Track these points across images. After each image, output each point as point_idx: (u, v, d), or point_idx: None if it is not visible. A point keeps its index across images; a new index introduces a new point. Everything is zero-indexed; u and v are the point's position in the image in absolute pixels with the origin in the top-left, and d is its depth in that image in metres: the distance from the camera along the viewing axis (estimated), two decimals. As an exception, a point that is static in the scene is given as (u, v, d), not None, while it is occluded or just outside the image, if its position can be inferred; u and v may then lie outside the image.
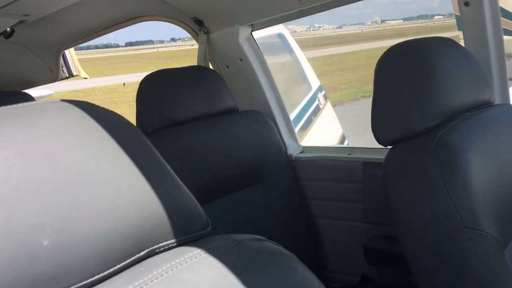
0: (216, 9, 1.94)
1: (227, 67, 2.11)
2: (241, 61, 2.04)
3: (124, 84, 21.15)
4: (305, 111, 3.17)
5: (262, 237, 0.67)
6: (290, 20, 1.91)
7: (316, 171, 2.02)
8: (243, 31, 1.99)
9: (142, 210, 0.57)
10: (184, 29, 2.10)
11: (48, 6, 1.84)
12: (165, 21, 2.11)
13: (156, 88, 1.74)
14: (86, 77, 2.86)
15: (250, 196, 1.85)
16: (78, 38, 2.43)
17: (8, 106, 0.56)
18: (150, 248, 0.58)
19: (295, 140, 2.12)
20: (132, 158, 0.59)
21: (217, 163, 1.75)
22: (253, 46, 2.04)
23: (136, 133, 0.65)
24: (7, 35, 2.01)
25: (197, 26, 2.05)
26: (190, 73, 1.84)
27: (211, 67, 2.11)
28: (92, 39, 2.40)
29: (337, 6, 1.75)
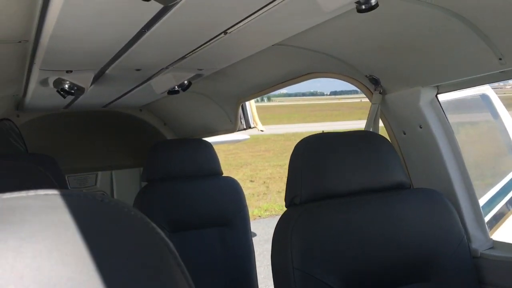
0: (396, 68, 1.68)
1: (404, 133, 1.80)
2: (421, 128, 1.72)
3: (323, 131, 21.63)
4: (504, 193, 2.59)
5: None
6: (486, 84, 1.54)
7: (509, 277, 1.54)
8: (426, 94, 1.67)
9: None
10: (357, 87, 1.89)
11: (219, 62, 1.83)
12: (337, 78, 1.93)
13: (312, 153, 1.55)
14: (262, 130, 2.84)
15: None
16: (255, 91, 2.41)
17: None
18: None
19: (483, 232, 1.68)
20: None
21: (374, 250, 1.45)
22: (438, 111, 1.70)
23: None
24: (184, 87, 2.08)
25: (372, 85, 1.81)
26: (355, 138, 1.60)
27: (381, 132, 1.84)
28: (269, 92, 2.35)
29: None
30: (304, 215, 1.44)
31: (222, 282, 2.60)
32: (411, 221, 1.51)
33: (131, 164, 3.52)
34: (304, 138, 1.60)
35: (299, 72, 2.03)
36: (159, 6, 1.11)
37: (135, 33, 1.34)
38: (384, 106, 1.81)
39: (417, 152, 1.77)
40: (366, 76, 1.79)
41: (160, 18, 1.22)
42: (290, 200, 1.54)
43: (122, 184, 3.52)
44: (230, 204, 2.66)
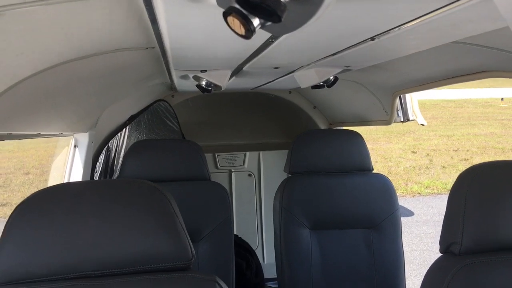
0: None
1: None
2: None
3: (502, 99, 19.21)
4: None
5: None
6: None
7: None
8: None
9: None
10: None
11: (368, 60, 1.55)
12: (524, 82, 1.50)
13: (481, 188, 1.20)
14: (423, 123, 2.46)
15: None
16: (414, 85, 2.06)
17: None
18: None
19: None
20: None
21: None
22: None
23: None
24: (330, 83, 1.84)
25: None
26: None
27: None
28: (430, 88, 1.98)
29: None
30: (464, 270, 1.14)
31: (365, 290, 2.38)
32: None
33: (279, 145, 3.43)
34: (471, 167, 1.26)
35: (470, 69, 1.64)
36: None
37: (263, 41, 1.14)
38: None
39: None
40: None
41: None
42: (446, 246, 1.23)
43: (269, 166, 3.47)
44: (380, 205, 2.38)
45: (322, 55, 1.40)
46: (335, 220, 2.36)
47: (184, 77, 1.88)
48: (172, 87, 2.79)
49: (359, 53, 1.39)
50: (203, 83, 1.77)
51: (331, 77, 1.82)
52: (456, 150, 11.82)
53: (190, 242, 1.18)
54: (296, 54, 1.39)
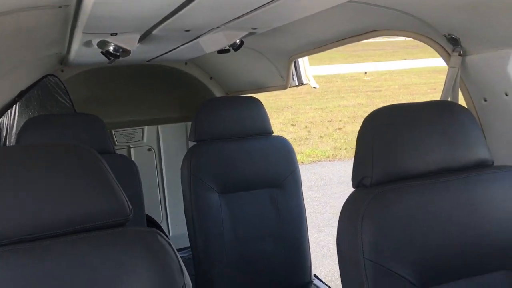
0: (481, 26, 1.45)
1: (485, 100, 1.60)
2: (507, 95, 1.51)
3: (365, 72, 20.92)
4: None
5: None
6: None
7: None
8: (516, 57, 1.45)
9: None
10: (432, 47, 1.67)
11: (275, 20, 1.65)
12: (407, 36, 1.72)
13: (385, 128, 1.38)
14: (315, 86, 2.66)
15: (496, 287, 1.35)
16: (310, 48, 2.22)
17: None
18: None
19: None
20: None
21: (453, 238, 1.31)
22: (529, 77, 1.48)
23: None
24: (236, 47, 1.91)
25: (450, 45, 1.59)
26: (432, 109, 1.42)
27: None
28: (325, 50, 2.15)
29: None
30: (376, 199, 1.30)
31: (273, 244, 2.53)
32: (495, 205, 1.35)
33: (177, 118, 3.44)
34: (374, 111, 1.43)
35: (361, 29, 1.82)
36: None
37: None
38: (463, 70, 1.60)
39: (500, 123, 1.57)
40: (444, 35, 1.57)
41: None
42: (358, 180, 1.39)
43: (168, 140, 3.46)
44: (282, 165, 2.55)
45: (236, 15, 1.47)
46: (242, 182, 2.48)
47: (87, 43, 1.82)
48: (63, 61, 2.65)
49: (268, 13, 1.48)
50: (111, 48, 1.74)
51: (238, 41, 1.89)
52: (330, 121, 12.70)
53: (126, 198, 1.19)
54: (212, 13, 1.44)
